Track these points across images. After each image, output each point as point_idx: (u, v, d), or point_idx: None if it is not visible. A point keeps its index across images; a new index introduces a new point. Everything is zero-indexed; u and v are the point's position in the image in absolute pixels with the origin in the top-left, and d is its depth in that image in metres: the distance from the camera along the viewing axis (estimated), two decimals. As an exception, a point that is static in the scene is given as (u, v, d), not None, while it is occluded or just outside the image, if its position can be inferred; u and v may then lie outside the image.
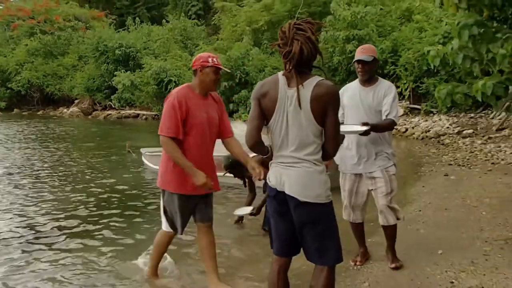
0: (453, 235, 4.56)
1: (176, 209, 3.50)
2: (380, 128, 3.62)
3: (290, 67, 2.46)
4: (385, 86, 3.76)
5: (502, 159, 8.13)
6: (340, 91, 3.65)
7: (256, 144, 2.61)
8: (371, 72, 3.76)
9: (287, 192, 2.53)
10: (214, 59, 3.44)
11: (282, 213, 2.60)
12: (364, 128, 3.40)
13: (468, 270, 3.67)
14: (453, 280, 3.51)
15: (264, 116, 2.57)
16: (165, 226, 3.63)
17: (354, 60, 3.78)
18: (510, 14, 5.16)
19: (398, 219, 3.81)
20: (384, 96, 3.70)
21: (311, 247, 2.60)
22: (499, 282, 3.42)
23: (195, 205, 3.58)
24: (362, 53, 3.72)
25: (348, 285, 3.61)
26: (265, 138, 2.68)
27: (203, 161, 3.47)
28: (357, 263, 3.97)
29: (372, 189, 3.80)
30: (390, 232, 3.85)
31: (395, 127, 3.85)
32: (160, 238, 3.70)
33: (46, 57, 29.49)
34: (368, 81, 3.77)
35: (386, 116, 3.65)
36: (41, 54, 29.54)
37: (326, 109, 2.48)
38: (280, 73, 2.58)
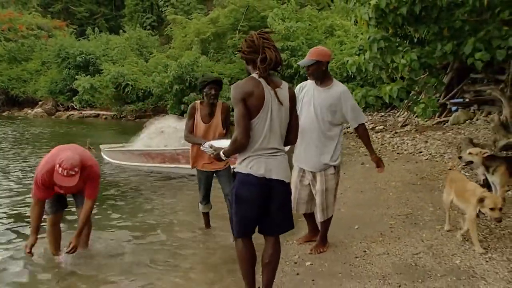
0: (366, 213, 4.73)
1: None
2: None
3: (267, 71, 2.52)
4: (339, 90, 3.48)
5: (405, 150, 8.46)
6: (297, 87, 3.61)
7: (248, 142, 2.54)
8: (316, 74, 3.45)
9: (274, 177, 2.59)
10: None
11: (262, 197, 2.61)
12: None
13: (378, 240, 3.84)
14: (366, 250, 3.66)
15: (250, 115, 2.53)
16: None
17: None
18: (408, 32, 5.42)
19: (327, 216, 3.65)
20: (343, 102, 3.45)
21: (276, 221, 2.69)
22: (401, 249, 3.61)
23: None
24: (306, 57, 3.49)
25: (282, 258, 3.66)
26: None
27: None
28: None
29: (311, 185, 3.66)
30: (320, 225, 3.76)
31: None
32: None
33: (11, 63, 27.52)
34: (321, 81, 3.50)
35: (356, 122, 3.52)
36: (5, 60, 27.54)
37: (294, 106, 2.71)
38: (255, 76, 2.56)
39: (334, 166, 3.63)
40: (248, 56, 2.57)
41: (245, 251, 2.72)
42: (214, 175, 4.30)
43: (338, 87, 3.51)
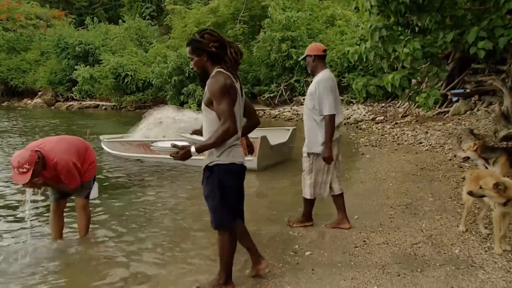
0: (366, 203, 4.75)
1: None
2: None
3: (235, 66, 2.71)
4: (317, 79, 3.79)
5: (405, 141, 8.47)
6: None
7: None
8: (308, 67, 3.91)
9: (245, 164, 2.77)
10: None
11: (242, 185, 2.82)
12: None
13: (377, 230, 3.86)
14: (365, 239, 3.68)
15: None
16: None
17: None
18: (410, 21, 5.37)
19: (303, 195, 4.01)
20: (316, 91, 3.72)
21: (241, 207, 2.90)
22: (400, 239, 3.62)
23: None
24: None
25: (282, 247, 3.68)
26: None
27: None
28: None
29: None
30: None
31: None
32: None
33: (10, 53, 27.37)
34: (313, 73, 3.91)
35: (320, 113, 3.72)
36: (4, 50, 27.38)
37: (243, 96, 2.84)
38: (222, 70, 2.65)
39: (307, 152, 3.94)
40: (215, 51, 2.66)
41: (234, 240, 2.82)
42: None
43: (317, 77, 3.80)
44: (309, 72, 3.97)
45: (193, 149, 2.59)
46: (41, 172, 3.50)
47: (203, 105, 2.71)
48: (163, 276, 3.29)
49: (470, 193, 3.27)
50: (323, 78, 3.75)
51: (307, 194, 3.96)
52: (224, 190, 2.70)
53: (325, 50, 3.88)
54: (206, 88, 2.67)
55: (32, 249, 3.85)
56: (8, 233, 4.30)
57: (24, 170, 3.34)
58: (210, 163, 2.70)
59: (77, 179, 3.69)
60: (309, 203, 4.03)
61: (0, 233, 4.30)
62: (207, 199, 2.76)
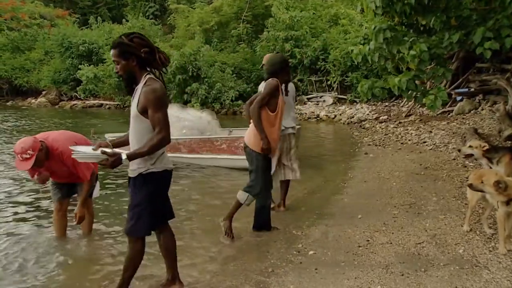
0: (369, 202, 4.75)
1: None
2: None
3: (163, 72, 2.71)
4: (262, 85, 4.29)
5: (409, 140, 8.44)
6: None
7: None
8: (265, 74, 4.10)
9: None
10: None
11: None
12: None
13: (381, 230, 3.85)
14: (369, 239, 3.68)
15: None
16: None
17: None
18: (414, 21, 5.35)
19: None
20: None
21: (170, 206, 2.93)
22: (404, 238, 3.62)
23: None
24: None
25: (285, 247, 3.69)
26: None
27: None
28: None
29: None
30: None
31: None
32: None
33: (14, 52, 27.42)
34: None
35: None
36: (8, 49, 27.42)
37: None
38: (153, 77, 2.64)
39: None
40: (146, 56, 2.61)
41: (143, 250, 2.79)
42: None
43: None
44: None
45: (124, 156, 2.49)
46: (45, 161, 3.52)
47: (135, 113, 2.61)
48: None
49: (470, 186, 3.29)
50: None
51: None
52: (157, 198, 2.70)
53: None
54: (139, 95, 2.57)
55: (35, 246, 3.89)
56: (13, 229, 4.34)
57: (28, 156, 3.35)
58: (144, 171, 2.62)
59: (89, 168, 3.69)
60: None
61: (4, 231, 4.34)
62: (135, 207, 2.66)
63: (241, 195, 3.86)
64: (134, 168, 2.67)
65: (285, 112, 4.09)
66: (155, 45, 2.69)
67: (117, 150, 2.64)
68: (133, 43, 2.61)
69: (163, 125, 2.52)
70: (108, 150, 2.54)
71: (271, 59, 4.10)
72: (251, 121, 3.89)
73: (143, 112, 2.56)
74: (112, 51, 2.62)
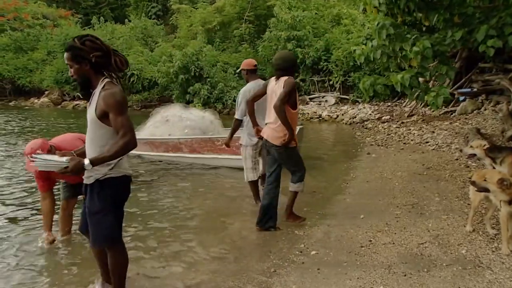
0: (372, 202, 4.73)
1: None
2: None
3: (120, 76, 2.65)
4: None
5: (412, 140, 8.41)
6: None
7: None
8: (244, 78, 4.97)
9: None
10: None
11: None
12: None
13: (383, 230, 3.84)
14: (371, 239, 3.66)
15: None
16: None
17: None
18: (417, 21, 5.34)
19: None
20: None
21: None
22: (406, 238, 3.60)
23: None
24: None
25: (288, 247, 3.68)
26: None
27: None
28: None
29: None
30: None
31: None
32: None
33: (17, 52, 27.53)
34: (247, 82, 4.93)
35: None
36: (11, 49, 27.52)
37: None
38: (111, 81, 2.55)
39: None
40: (100, 60, 2.52)
41: (125, 252, 2.74)
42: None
43: (244, 87, 4.82)
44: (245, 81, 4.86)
45: (86, 161, 2.39)
46: None
47: (93, 118, 2.51)
48: (165, 275, 3.30)
49: (473, 183, 3.27)
50: (245, 88, 4.70)
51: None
52: (117, 204, 2.61)
53: (255, 65, 4.85)
54: (97, 100, 2.49)
55: (38, 244, 3.90)
56: (20, 227, 4.34)
57: None
58: (101, 177, 2.52)
59: None
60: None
61: (8, 229, 4.34)
62: (96, 215, 2.56)
63: (299, 187, 4.13)
64: (90, 174, 2.54)
65: None
66: (111, 48, 2.61)
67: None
68: (85, 46, 2.51)
69: (127, 128, 2.43)
70: (68, 157, 2.47)
71: (285, 56, 4.08)
72: (270, 118, 4.02)
73: (102, 117, 2.47)
74: (65, 54, 2.54)
